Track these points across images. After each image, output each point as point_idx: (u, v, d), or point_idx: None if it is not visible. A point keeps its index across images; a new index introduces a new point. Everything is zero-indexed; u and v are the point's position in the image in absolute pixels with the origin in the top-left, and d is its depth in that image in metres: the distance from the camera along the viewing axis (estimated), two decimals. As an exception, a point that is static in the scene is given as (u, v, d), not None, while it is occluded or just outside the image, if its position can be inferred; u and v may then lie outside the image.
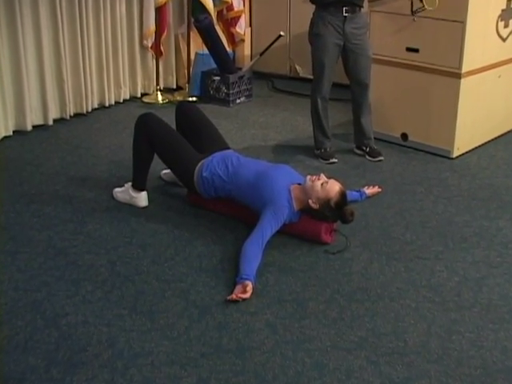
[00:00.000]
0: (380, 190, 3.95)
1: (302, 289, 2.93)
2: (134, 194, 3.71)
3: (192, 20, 5.83)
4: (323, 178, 3.28)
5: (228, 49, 6.19)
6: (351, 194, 3.68)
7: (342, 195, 3.24)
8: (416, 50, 4.48)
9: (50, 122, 5.11)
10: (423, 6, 4.28)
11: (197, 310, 2.76)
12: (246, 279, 2.85)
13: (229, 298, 2.79)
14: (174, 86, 6.30)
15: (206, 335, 2.60)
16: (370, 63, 4.35)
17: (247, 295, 2.79)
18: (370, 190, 3.89)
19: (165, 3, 5.73)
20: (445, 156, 4.55)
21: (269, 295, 2.88)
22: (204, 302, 2.82)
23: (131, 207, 3.71)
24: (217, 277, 3.01)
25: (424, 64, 4.46)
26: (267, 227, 3.14)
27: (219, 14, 6.23)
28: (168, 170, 3.94)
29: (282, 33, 5.92)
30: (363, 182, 4.06)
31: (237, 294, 2.78)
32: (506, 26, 4.52)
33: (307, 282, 2.99)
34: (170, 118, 3.98)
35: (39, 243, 3.31)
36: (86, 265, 3.11)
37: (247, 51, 6.84)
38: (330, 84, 4.38)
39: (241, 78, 5.91)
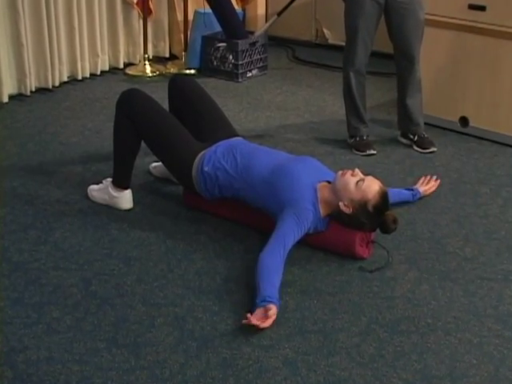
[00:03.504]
0: (438, 181, 4.00)
1: (331, 316, 2.94)
2: (114, 193, 3.73)
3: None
4: (358, 174, 3.28)
5: (236, 7, 6.21)
6: (400, 193, 3.72)
7: (383, 197, 3.24)
8: (482, 8, 4.48)
9: (5, 99, 5.14)
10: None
11: (195, 342, 2.77)
12: (271, 302, 2.85)
13: (245, 321, 2.79)
14: (167, 55, 6.33)
15: (207, 375, 2.61)
16: (421, 29, 4.35)
17: (269, 323, 2.79)
18: (425, 187, 3.91)
19: None
20: (517, 147, 4.57)
21: (288, 324, 2.88)
22: (204, 332, 2.83)
23: (111, 210, 3.73)
24: (221, 300, 3.02)
25: (492, 26, 4.46)
26: (289, 234, 3.15)
27: (225, -39, 6.26)
28: (159, 163, 3.96)
29: (306, -14, 5.95)
30: (410, 181, 4.06)
31: (256, 320, 2.78)
32: None
33: (337, 307, 3.00)
34: (161, 96, 4.00)
35: (-8, 255, 3.34)
36: (51, 284, 3.12)
37: (261, 10, 6.86)
38: (368, 54, 4.39)
39: (253, 44, 5.93)
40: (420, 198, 3.87)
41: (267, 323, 2.79)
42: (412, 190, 3.85)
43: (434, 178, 4.00)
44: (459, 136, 4.76)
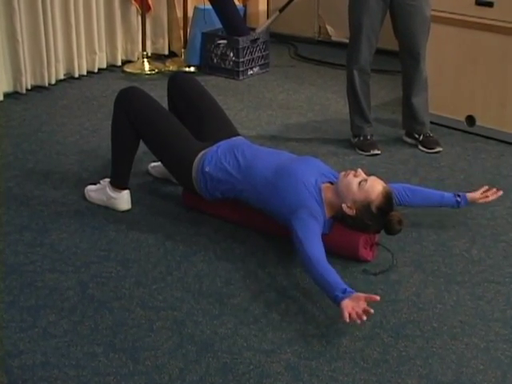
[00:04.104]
0: (499, 194, 3.64)
1: (334, 320, 2.93)
2: (112, 193, 3.73)
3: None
4: (361, 174, 3.28)
5: (237, 3, 6.22)
6: (442, 197, 3.57)
7: (387, 197, 3.24)
8: (489, 4, 4.48)
9: (0, 97, 5.15)
10: None
11: (194, 346, 2.77)
12: (351, 292, 2.82)
13: (349, 319, 2.72)
14: (166, 52, 6.33)
15: (207, 380, 2.61)
16: (427, 26, 4.35)
17: (365, 306, 2.75)
18: (476, 194, 3.60)
19: None
20: (525, 147, 4.57)
21: (290, 328, 2.88)
22: (204, 336, 2.83)
23: (109, 211, 3.74)
24: (221, 303, 3.03)
25: (499, 22, 4.46)
26: (314, 228, 3.14)
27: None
28: (158, 163, 3.96)
29: (308, -18, 5.95)
30: (415, 181, 4.06)
31: (362, 314, 2.72)
32: None
33: (340, 311, 3.00)
34: (160, 94, 4.00)
35: (-14, 257, 3.34)
36: (47, 287, 3.12)
37: (262, 6, 6.87)
38: (372, 51, 4.39)
39: (254, 41, 5.93)
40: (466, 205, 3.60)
41: (365, 306, 2.74)
42: (459, 195, 3.56)
43: (494, 190, 3.63)
44: (466, 135, 4.76)
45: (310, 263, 2.99)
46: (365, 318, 2.72)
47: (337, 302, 2.82)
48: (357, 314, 2.72)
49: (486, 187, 3.65)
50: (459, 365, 2.70)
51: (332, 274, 2.92)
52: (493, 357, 2.74)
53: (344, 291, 2.82)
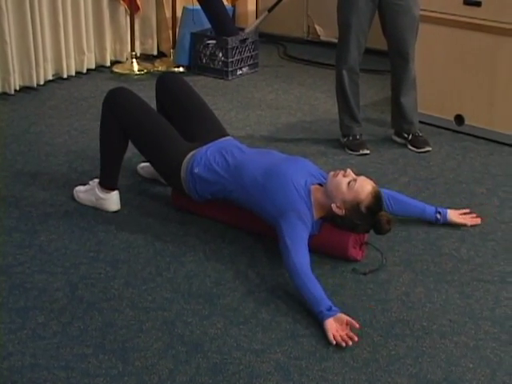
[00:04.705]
0: (478, 221, 3.68)
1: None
2: (101, 194, 3.73)
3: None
4: (350, 174, 3.28)
5: (226, 3, 6.22)
6: (423, 212, 3.60)
7: (376, 197, 3.24)
8: (477, 4, 4.49)
9: (-11, 99, 5.15)
10: None
11: (184, 347, 2.77)
12: (337, 311, 2.86)
13: (336, 340, 2.76)
14: (155, 53, 6.33)
15: (197, 381, 2.61)
16: (416, 26, 4.35)
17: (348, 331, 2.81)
18: (456, 216, 3.66)
19: None
20: (513, 146, 4.58)
21: (279, 328, 2.89)
22: (194, 336, 2.83)
23: (98, 212, 3.73)
24: (211, 304, 3.03)
25: (488, 22, 4.48)
26: (301, 234, 3.15)
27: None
28: (147, 163, 3.96)
29: (297, -18, 5.96)
30: (404, 180, 4.07)
31: (347, 336, 2.77)
32: None
33: (330, 311, 3.01)
34: (149, 95, 3.99)
35: (-25, 259, 3.33)
36: (36, 288, 3.12)
37: (251, 6, 6.87)
38: (361, 51, 4.40)
39: (243, 41, 5.93)
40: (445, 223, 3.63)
41: (348, 331, 2.80)
42: (439, 213, 3.61)
43: (474, 216, 3.69)
44: (454, 135, 4.77)
45: (295, 271, 3.02)
46: (350, 343, 2.76)
47: (320, 318, 2.86)
48: (341, 337, 2.77)
49: (467, 210, 3.72)
50: (449, 363, 2.71)
51: (317, 287, 2.95)
52: (482, 355, 2.75)
53: (329, 309, 2.86)
